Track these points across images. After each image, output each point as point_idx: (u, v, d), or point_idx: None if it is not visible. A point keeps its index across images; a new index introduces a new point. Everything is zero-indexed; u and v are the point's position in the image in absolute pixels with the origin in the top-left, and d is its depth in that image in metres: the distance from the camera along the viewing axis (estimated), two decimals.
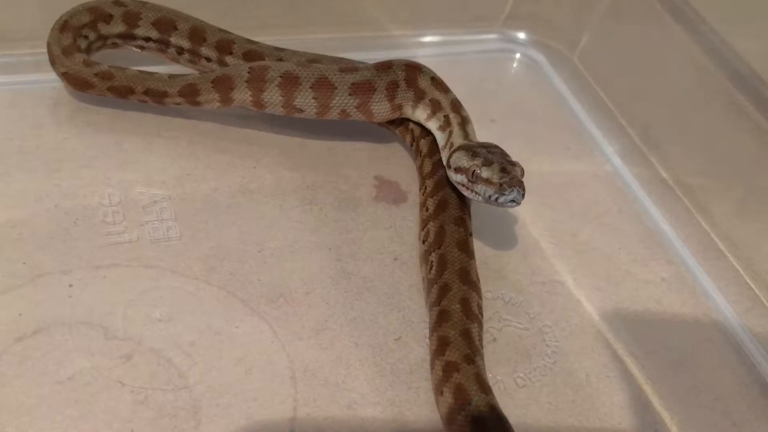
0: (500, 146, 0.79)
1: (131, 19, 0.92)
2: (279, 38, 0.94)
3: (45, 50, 0.89)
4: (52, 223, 0.79)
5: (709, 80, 0.94)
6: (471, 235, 0.79)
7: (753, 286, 0.84)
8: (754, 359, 0.78)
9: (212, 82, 0.85)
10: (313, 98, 0.84)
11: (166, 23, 0.92)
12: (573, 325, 0.78)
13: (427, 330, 0.74)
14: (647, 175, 0.95)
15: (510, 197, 0.74)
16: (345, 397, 0.70)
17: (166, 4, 0.93)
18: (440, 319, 0.71)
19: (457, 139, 0.81)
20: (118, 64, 0.88)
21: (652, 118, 0.99)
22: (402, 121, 0.89)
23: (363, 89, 0.85)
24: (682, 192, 0.93)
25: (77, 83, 0.88)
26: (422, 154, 0.87)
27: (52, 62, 0.88)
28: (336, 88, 0.84)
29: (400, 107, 0.86)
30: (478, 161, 0.76)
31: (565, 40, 1.09)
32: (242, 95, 0.85)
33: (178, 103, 0.87)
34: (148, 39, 0.92)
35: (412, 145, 0.90)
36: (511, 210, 0.87)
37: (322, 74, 0.84)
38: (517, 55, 1.10)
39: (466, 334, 0.70)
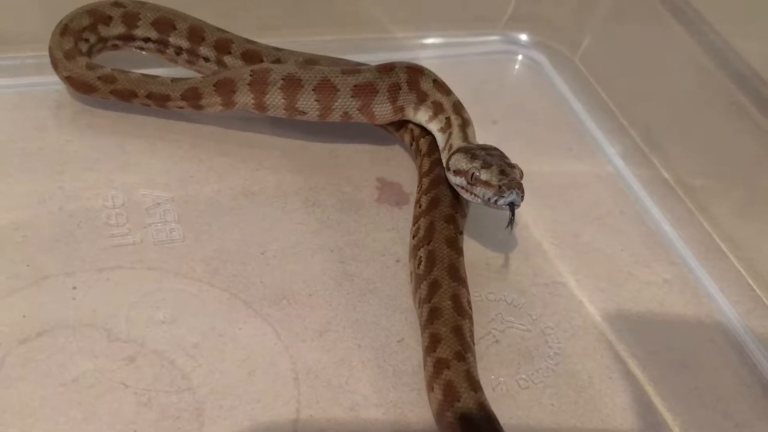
0: (502, 148, 0.80)
1: (130, 19, 0.92)
2: (280, 40, 0.94)
3: (47, 53, 0.89)
4: (56, 225, 0.79)
5: (711, 81, 0.94)
6: (461, 233, 0.79)
7: (755, 287, 0.84)
8: (756, 360, 0.78)
9: (214, 86, 0.86)
10: (316, 100, 0.85)
11: (165, 23, 0.92)
12: (575, 327, 0.78)
13: None
14: (649, 176, 0.95)
15: (509, 199, 0.74)
16: (348, 398, 0.70)
17: (166, 5, 0.93)
18: (431, 316, 0.71)
19: (456, 141, 0.81)
20: (120, 66, 0.89)
21: (654, 119, 0.99)
22: (401, 122, 0.89)
23: (365, 91, 0.85)
24: (683, 193, 0.93)
25: (80, 87, 0.88)
26: (422, 153, 0.87)
27: (55, 66, 0.89)
28: (338, 91, 0.84)
29: (402, 109, 0.87)
30: (477, 163, 0.76)
31: (566, 42, 1.09)
32: (244, 98, 0.85)
33: (181, 107, 0.88)
34: (147, 39, 0.93)
35: (411, 145, 0.90)
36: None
37: (324, 76, 0.84)
38: (519, 57, 1.10)
39: (458, 331, 0.70)
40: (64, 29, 0.89)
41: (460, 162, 0.78)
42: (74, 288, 0.74)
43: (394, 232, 0.84)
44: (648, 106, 1.01)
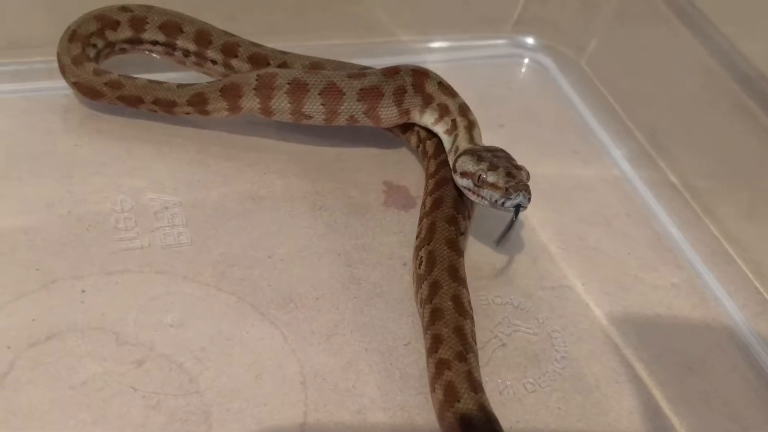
0: (508, 150, 0.80)
1: (138, 23, 0.92)
2: (286, 44, 0.94)
3: (55, 58, 0.89)
4: (65, 229, 0.79)
5: (716, 83, 0.94)
6: (463, 234, 0.79)
7: (762, 290, 0.84)
8: (763, 363, 0.78)
9: (220, 91, 0.86)
10: (322, 104, 0.85)
11: (172, 26, 0.92)
12: (582, 330, 0.78)
13: None
14: (655, 179, 0.95)
15: (516, 201, 0.74)
16: (355, 402, 0.70)
17: (174, 10, 0.94)
18: (433, 317, 0.72)
19: (463, 143, 0.82)
20: (130, 70, 0.89)
21: (660, 122, 0.99)
22: (408, 124, 0.90)
23: (371, 95, 0.85)
24: (690, 195, 0.93)
25: (87, 92, 0.89)
26: (428, 155, 0.88)
27: (63, 72, 0.89)
28: (344, 94, 0.85)
29: (407, 112, 0.87)
30: (483, 165, 0.76)
31: (572, 45, 1.09)
32: (250, 103, 0.86)
33: (188, 113, 0.88)
34: (155, 42, 0.93)
35: (418, 147, 0.90)
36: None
37: (330, 80, 0.85)
38: (526, 60, 1.10)
39: (459, 331, 0.70)
40: (72, 35, 0.90)
41: (467, 164, 0.78)
42: (83, 291, 0.74)
43: (401, 236, 0.84)
44: (654, 108, 1.01)
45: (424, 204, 0.82)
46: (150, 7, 0.93)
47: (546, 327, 0.78)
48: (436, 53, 1.08)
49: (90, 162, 0.86)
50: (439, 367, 0.68)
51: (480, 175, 0.76)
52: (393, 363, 0.73)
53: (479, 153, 0.78)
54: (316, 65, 0.91)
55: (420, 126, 0.89)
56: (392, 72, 0.86)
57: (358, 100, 0.85)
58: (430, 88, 0.86)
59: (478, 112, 0.86)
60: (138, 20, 0.93)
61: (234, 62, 0.91)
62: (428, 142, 0.88)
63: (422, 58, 1.05)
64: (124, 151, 0.88)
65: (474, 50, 1.10)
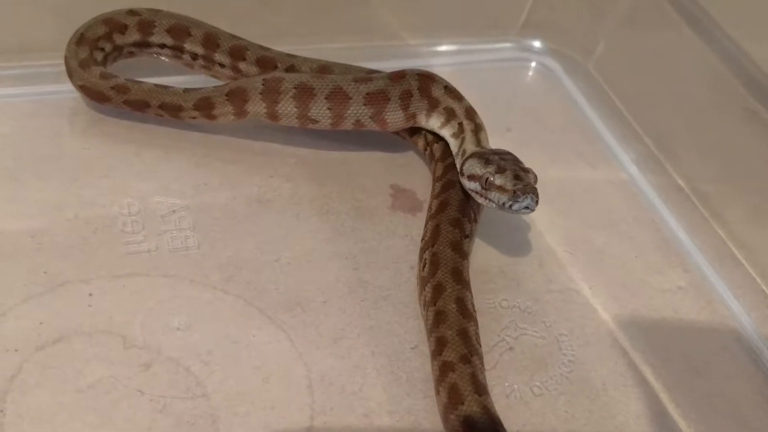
0: (516, 154, 0.80)
1: (146, 27, 0.93)
2: (293, 47, 0.94)
3: (63, 62, 0.90)
4: (72, 232, 0.79)
5: (724, 86, 0.94)
6: (467, 237, 0.79)
7: None
8: None
9: (226, 95, 0.86)
10: (328, 109, 0.85)
11: (180, 30, 0.93)
12: (589, 334, 0.78)
13: None
14: (662, 183, 0.95)
15: (524, 204, 0.74)
16: (361, 405, 0.70)
17: (182, 13, 0.94)
18: (437, 319, 0.72)
19: (470, 146, 0.82)
20: (137, 73, 0.89)
21: (667, 125, 0.99)
22: (415, 128, 0.90)
23: (377, 99, 0.85)
24: (697, 199, 0.92)
25: (94, 96, 0.89)
26: (435, 158, 0.88)
27: (70, 75, 0.89)
28: (351, 99, 0.85)
29: (414, 116, 0.87)
30: (491, 168, 0.76)
31: (579, 48, 1.09)
32: (257, 107, 0.86)
33: (194, 117, 0.88)
34: (163, 46, 0.93)
35: (425, 150, 0.90)
36: (526, 217, 0.87)
37: (336, 85, 0.85)
38: (533, 64, 1.10)
39: (464, 334, 0.70)
40: (80, 39, 0.90)
41: (474, 167, 0.78)
42: (90, 295, 0.74)
43: (407, 239, 0.84)
44: (661, 112, 1.01)
45: (430, 207, 0.83)
46: (158, 11, 0.94)
47: (553, 330, 0.78)
48: (443, 57, 1.08)
49: (97, 165, 0.86)
50: (443, 370, 0.68)
51: (487, 178, 0.76)
52: (400, 366, 0.73)
53: (486, 156, 0.78)
54: (323, 68, 0.91)
55: (427, 129, 0.89)
56: (398, 76, 0.86)
57: (364, 105, 0.85)
58: (437, 91, 0.86)
59: (485, 116, 0.86)
60: (146, 24, 0.93)
61: (242, 65, 0.92)
62: (435, 145, 0.88)
63: (429, 61, 1.05)
64: (131, 155, 0.88)
65: (481, 54, 1.10)
